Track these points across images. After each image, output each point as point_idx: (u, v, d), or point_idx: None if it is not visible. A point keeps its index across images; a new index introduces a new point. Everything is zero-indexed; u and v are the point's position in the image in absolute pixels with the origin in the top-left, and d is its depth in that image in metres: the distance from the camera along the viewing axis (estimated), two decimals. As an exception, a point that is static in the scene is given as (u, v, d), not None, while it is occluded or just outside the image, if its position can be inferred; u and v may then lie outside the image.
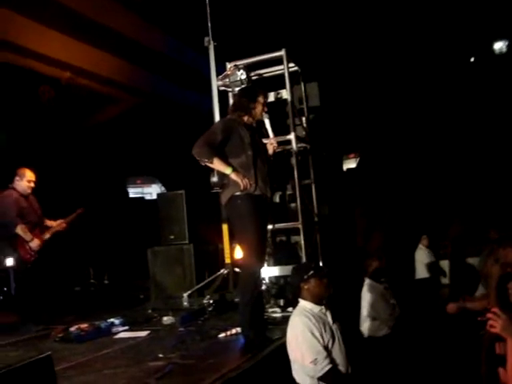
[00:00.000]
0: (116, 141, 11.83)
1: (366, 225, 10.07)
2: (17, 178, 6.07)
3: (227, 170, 4.16)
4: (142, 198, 12.80)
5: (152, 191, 13.36)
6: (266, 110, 4.62)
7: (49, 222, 6.27)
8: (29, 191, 6.09)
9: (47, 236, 6.13)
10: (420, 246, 9.42)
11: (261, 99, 4.52)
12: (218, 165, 4.19)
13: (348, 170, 12.61)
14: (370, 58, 10.71)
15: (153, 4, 9.13)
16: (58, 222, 6.28)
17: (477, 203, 10.52)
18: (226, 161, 4.21)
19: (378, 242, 10.00)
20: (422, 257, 9.30)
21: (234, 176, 4.15)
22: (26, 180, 6.05)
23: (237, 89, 5.76)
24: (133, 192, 13.11)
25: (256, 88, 4.83)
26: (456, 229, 10.55)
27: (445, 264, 9.79)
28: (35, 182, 6.14)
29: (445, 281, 9.60)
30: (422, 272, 9.17)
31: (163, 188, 13.16)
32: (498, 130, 11.26)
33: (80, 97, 11.42)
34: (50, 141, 10.39)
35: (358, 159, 13.22)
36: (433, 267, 9.27)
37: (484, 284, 4.44)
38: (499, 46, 12.56)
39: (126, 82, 11.75)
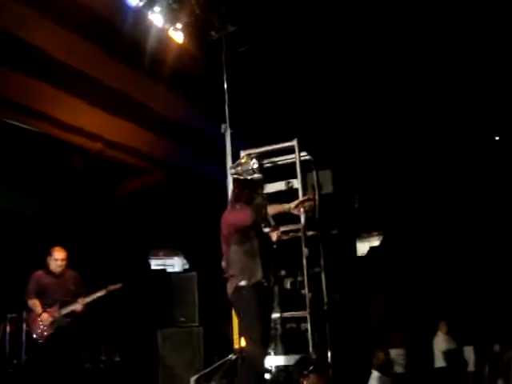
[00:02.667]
0: (140, 212, 12.00)
1: (384, 311, 9.80)
2: (48, 257, 6.30)
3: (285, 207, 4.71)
4: (164, 271, 12.80)
5: (174, 263, 13.37)
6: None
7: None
8: (58, 269, 6.26)
9: (62, 312, 6.08)
10: (438, 332, 9.16)
11: (260, 190, 4.67)
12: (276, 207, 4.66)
13: (371, 248, 12.52)
14: (387, 139, 10.73)
15: (189, 82, 9.39)
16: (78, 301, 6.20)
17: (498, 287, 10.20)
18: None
19: (397, 327, 9.71)
20: (440, 344, 9.03)
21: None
22: (53, 259, 6.27)
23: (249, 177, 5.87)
24: (155, 264, 13.13)
25: (254, 180, 4.95)
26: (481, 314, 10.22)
27: (469, 350, 9.44)
28: (65, 260, 6.29)
29: (470, 368, 9.23)
30: (440, 360, 8.87)
31: (185, 260, 13.17)
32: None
33: (108, 168, 11.71)
34: (76, 211, 10.64)
35: (381, 237, 13.12)
36: (452, 355, 8.95)
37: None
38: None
39: (156, 154, 12.00)
